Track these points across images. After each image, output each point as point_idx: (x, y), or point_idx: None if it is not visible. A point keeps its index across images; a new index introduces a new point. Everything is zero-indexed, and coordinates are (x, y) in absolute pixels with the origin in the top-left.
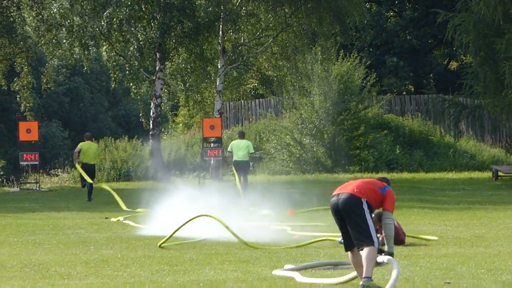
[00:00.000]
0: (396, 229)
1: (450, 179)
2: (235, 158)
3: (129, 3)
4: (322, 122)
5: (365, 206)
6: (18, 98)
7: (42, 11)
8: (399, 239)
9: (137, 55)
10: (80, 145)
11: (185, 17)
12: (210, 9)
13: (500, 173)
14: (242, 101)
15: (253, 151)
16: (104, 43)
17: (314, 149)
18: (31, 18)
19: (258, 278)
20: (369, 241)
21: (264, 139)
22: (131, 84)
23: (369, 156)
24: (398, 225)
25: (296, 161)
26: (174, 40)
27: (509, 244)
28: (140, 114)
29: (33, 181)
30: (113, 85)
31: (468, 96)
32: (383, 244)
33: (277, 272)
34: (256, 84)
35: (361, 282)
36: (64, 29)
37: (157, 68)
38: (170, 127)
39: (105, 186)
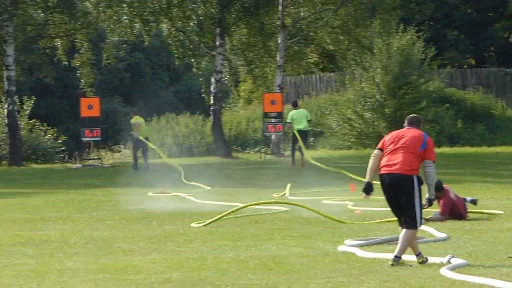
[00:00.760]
0: (456, 203)
1: None
2: (299, 127)
3: None
4: (383, 96)
5: (415, 184)
6: (78, 74)
7: None
8: (458, 212)
9: (197, 30)
10: (136, 119)
11: None
12: None
13: None
14: (303, 75)
15: (310, 118)
16: (164, 19)
17: (375, 124)
18: None
19: (321, 253)
20: (413, 223)
21: (326, 113)
22: (191, 59)
23: (430, 131)
24: (458, 199)
25: (358, 136)
26: (234, 15)
27: None
28: (202, 90)
29: (95, 157)
30: (176, 62)
31: None
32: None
33: (342, 248)
34: (316, 58)
35: (391, 260)
36: (124, 5)
37: (217, 43)
38: (230, 102)
39: (172, 161)
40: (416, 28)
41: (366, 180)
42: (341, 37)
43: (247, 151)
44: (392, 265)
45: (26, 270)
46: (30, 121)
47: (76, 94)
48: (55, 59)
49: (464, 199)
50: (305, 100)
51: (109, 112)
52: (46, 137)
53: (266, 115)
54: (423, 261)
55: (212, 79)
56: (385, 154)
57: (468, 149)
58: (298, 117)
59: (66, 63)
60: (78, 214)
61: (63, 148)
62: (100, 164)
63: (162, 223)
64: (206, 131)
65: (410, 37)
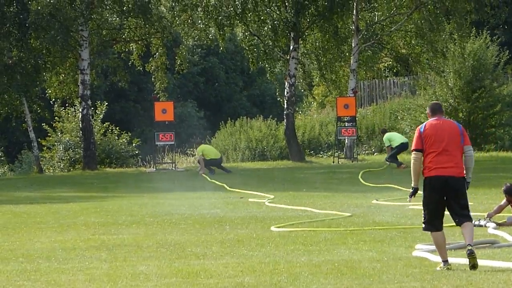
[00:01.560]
0: None
1: None
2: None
3: None
4: (457, 100)
5: (466, 182)
6: (153, 79)
7: None
8: None
9: (271, 34)
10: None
11: None
12: None
13: None
14: (377, 80)
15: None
16: (239, 23)
17: None
18: None
19: (394, 258)
20: (470, 217)
21: (399, 118)
22: (265, 64)
23: (504, 135)
24: None
25: None
26: (308, 19)
27: None
28: (276, 94)
29: (169, 161)
30: (251, 68)
31: None
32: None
33: (416, 252)
34: (390, 62)
35: (468, 248)
36: (199, 9)
37: (291, 47)
38: (304, 106)
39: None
40: (490, 32)
41: (413, 185)
42: (414, 41)
43: (320, 155)
44: (471, 253)
45: (99, 274)
46: (104, 125)
47: (150, 98)
48: (130, 63)
49: None
50: (379, 104)
51: (183, 116)
52: (120, 141)
53: (339, 119)
54: (448, 269)
55: (286, 83)
56: (431, 155)
57: None
58: (393, 137)
59: (141, 68)
60: (151, 218)
61: (137, 152)
62: (173, 168)
63: (235, 227)
64: (279, 135)
65: (484, 41)
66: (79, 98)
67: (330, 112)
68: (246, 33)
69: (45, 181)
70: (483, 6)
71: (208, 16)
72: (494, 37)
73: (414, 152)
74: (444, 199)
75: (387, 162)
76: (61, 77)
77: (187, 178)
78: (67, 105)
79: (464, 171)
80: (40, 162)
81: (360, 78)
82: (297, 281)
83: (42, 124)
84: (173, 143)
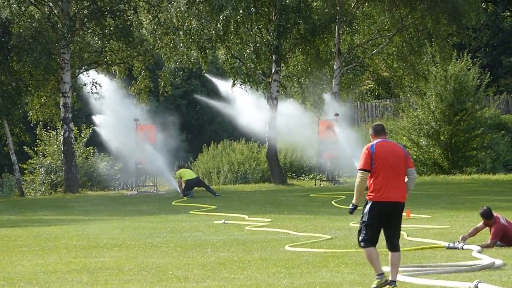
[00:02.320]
0: (508, 228)
1: None
2: None
3: (246, 5)
4: (438, 123)
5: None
6: (135, 102)
7: (159, 15)
8: (510, 237)
9: (253, 57)
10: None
11: (301, 19)
12: (326, 10)
13: None
14: (358, 102)
15: None
16: (221, 46)
17: (431, 150)
18: (148, 21)
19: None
20: (399, 245)
21: None
22: (249, 86)
23: (486, 157)
24: (510, 224)
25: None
26: (290, 42)
27: None
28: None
29: (151, 184)
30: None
31: None
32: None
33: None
34: (372, 85)
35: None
36: (181, 32)
37: (273, 70)
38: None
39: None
40: (472, 54)
41: (355, 203)
42: (396, 64)
43: (302, 178)
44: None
45: None
46: (87, 148)
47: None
48: None
49: None
50: (361, 126)
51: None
52: (102, 164)
53: (321, 141)
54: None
55: (268, 106)
56: (380, 178)
57: None
58: None
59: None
60: (133, 241)
61: (118, 175)
62: (155, 191)
63: (216, 250)
64: (261, 157)
65: (465, 64)
66: (61, 121)
67: (311, 134)
68: (228, 56)
69: (27, 204)
70: (465, 29)
71: (190, 39)
72: (476, 60)
73: (361, 171)
74: (383, 219)
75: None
76: (42, 100)
77: (169, 201)
78: (48, 128)
79: (409, 186)
80: (22, 185)
81: (342, 101)
82: None
83: (24, 147)
84: (153, 165)
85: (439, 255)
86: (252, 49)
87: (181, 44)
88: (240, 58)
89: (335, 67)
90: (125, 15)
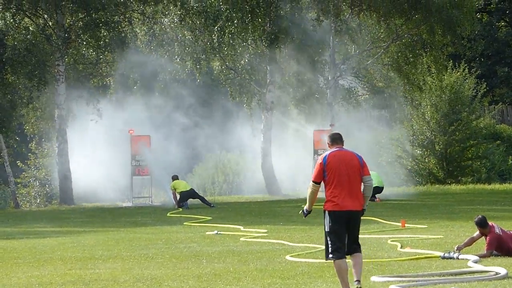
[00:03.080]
0: (503, 237)
1: None
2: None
3: (241, 16)
4: (433, 133)
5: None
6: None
7: (153, 26)
8: (507, 246)
9: (248, 68)
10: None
11: (294, 28)
12: (321, 20)
13: None
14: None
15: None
16: (215, 57)
17: (426, 161)
18: (142, 33)
19: None
20: (359, 246)
21: (374, 152)
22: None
23: (481, 167)
24: (505, 233)
25: (408, 173)
26: (284, 52)
27: None
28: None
29: (146, 195)
30: (231, 99)
31: None
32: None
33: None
34: (367, 95)
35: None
36: (175, 44)
37: (268, 81)
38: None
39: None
40: (467, 65)
41: (308, 209)
42: (391, 74)
43: (297, 189)
44: None
45: None
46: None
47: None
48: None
49: None
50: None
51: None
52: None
53: (316, 152)
54: None
55: (263, 116)
56: (333, 187)
57: None
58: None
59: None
60: (128, 252)
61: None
62: (150, 203)
63: (212, 261)
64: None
65: (461, 74)
66: (56, 133)
67: (306, 145)
68: (223, 67)
69: (22, 216)
70: (460, 39)
71: (185, 51)
72: (472, 70)
73: (313, 184)
74: (345, 228)
75: None
76: (37, 113)
77: (164, 212)
78: (43, 140)
79: (365, 192)
80: (17, 197)
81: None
82: None
83: (17, 162)
84: (149, 176)
85: (434, 265)
86: (246, 60)
87: (176, 56)
88: (234, 69)
89: (329, 77)
90: (119, 27)
